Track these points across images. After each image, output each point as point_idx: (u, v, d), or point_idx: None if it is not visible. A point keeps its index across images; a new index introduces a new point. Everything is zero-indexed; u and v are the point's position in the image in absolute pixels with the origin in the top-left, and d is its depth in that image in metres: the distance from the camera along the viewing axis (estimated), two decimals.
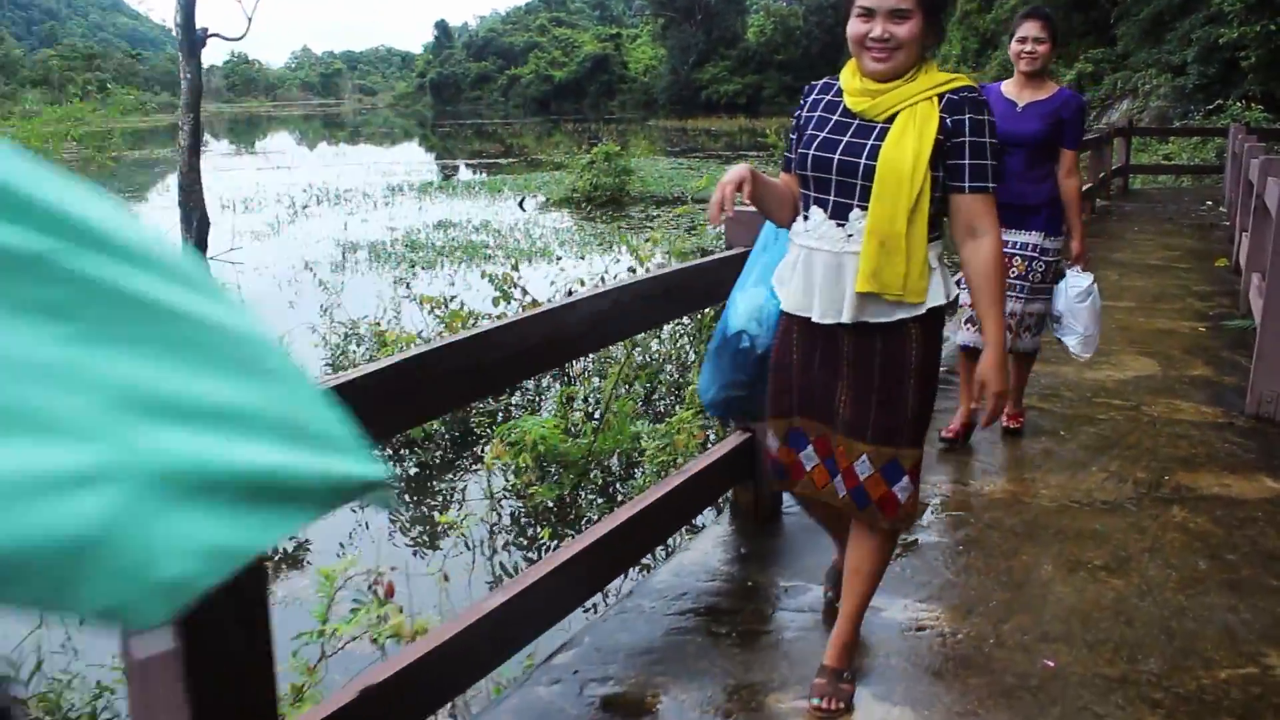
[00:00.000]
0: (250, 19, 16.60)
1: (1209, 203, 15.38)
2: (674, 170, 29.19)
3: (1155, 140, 24.65)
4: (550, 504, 5.89)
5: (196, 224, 16.20)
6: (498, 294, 8.26)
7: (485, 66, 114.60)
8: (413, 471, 6.82)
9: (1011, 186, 4.40)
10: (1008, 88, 4.77)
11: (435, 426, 6.93)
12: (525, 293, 8.22)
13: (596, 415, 6.82)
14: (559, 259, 15.03)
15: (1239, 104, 22.76)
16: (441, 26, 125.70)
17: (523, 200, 22.10)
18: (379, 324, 8.60)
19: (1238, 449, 4.87)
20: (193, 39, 16.12)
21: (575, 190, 21.68)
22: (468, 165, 35.73)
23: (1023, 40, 4.62)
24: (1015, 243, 4.65)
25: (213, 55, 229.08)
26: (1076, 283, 4.83)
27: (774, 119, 59.87)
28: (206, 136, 70.90)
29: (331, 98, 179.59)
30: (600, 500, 6.23)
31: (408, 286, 9.60)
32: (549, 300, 8.83)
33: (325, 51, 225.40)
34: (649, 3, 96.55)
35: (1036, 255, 4.70)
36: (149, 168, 35.75)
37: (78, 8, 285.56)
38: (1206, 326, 7.29)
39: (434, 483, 6.72)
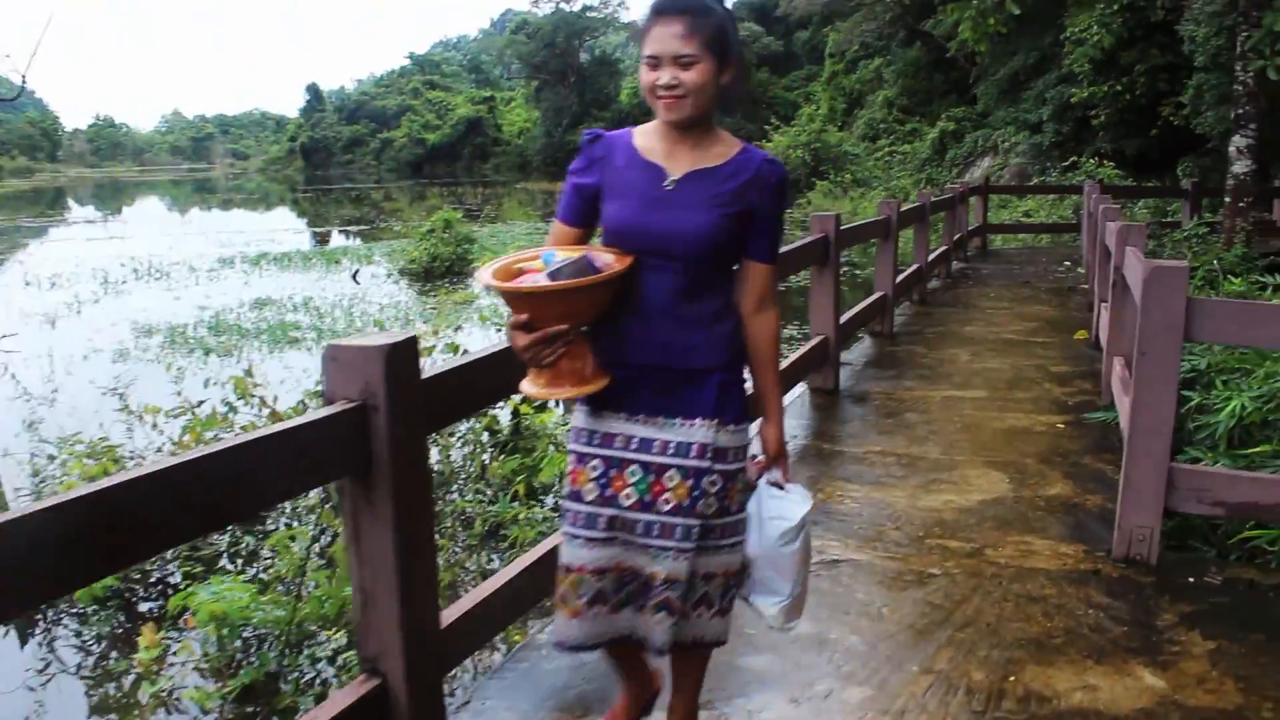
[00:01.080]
0: (24, 80, 14.85)
1: (1067, 263, 14.68)
2: (529, 236, 27.98)
3: (1016, 197, 24.40)
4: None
5: None
6: (233, 400, 6.83)
7: (357, 130, 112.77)
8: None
9: (653, 334, 2.38)
10: (645, 139, 2.48)
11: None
12: (265, 404, 6.80)
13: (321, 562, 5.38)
14: None
15: (1092, 161, 22.80)
16: (313, 90, 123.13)
17: (356, 273, 20.55)
18: (100, 440, 7.05)
19: (1106, 618, 3.67)
20: None
21: (413, 261, 20.24)
22: (339, 231, 34.06)
23: (654, 62, 2.33)
24: (667, 444, 2.39)
25: (77, 119, 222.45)
26: (780, 509, 2.50)
27: None
28: (70, 202, 68.67)
29: (202, 162, 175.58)
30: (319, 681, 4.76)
31: (120, 396, 7.90)
32: (299, 405, 7.43)
33: (197, 115, 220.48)
34: (523, 65, 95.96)
35: (706, 465, 2.38)
36: None
37: None
38: (1065, 421, 6.19)
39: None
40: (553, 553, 2.91)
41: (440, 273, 19.97)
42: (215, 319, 15.56)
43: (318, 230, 34.81)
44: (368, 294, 18.21)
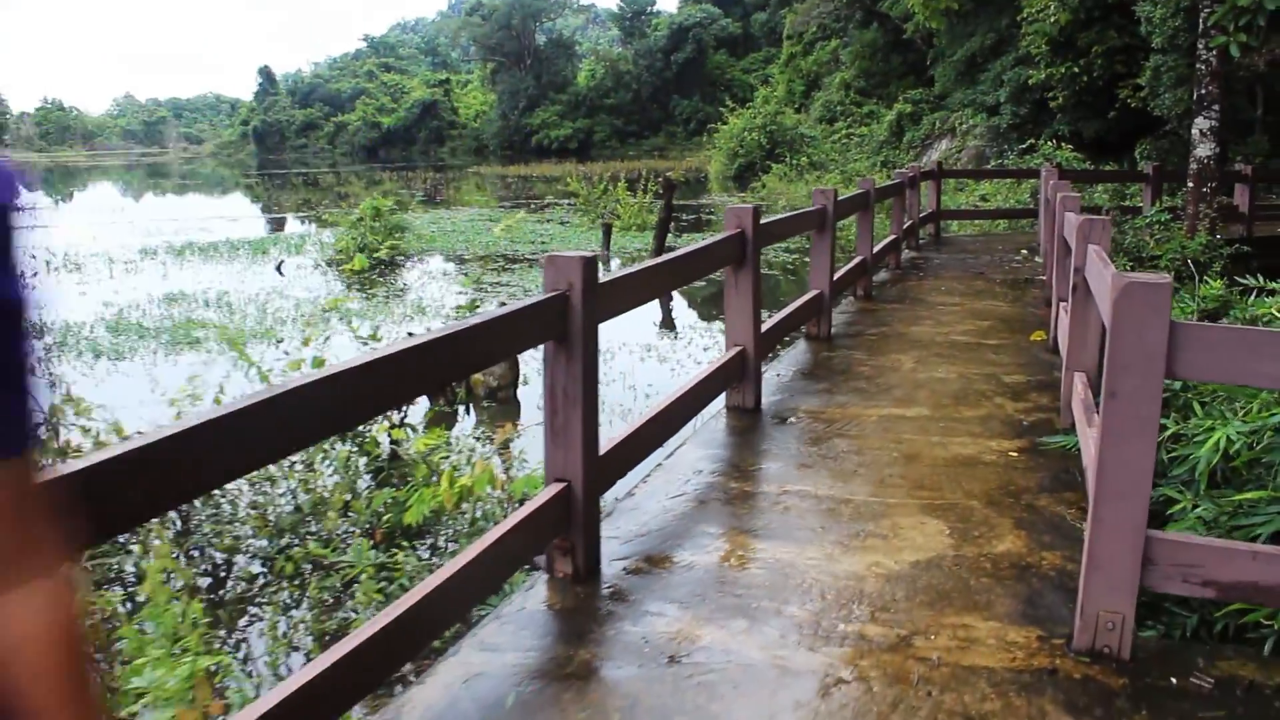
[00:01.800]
0: None
1: (1024, 251, 13.87)
2: (471, 222, 26.94)
3: (973, 180, 23.67)
4: None
5: None
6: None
7: (311, 114, 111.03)
8: None
9: None
10: None
11: None
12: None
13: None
14: (280, 341, 12.55)
15: (1050, 143, 22.14)
16: (265, 73, 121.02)
17: (280, 264, 19.44)
18: None
19: None
20: None
21: (341, 251, 19.19)
22: (295, 217, 32.82)
23: None
24: None
25: (23, 101, 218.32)
26: None
27: (606, 163, 58.38)
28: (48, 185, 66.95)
29: (155, 146, 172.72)
30: None
31: None
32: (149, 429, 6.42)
33: (150, 98, 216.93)
34: (479, 48, 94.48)
35: None
36: None
37: None
38: (1019, 449, 5.29)
39: None
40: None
41: (370, 264, 18.93)
42: (117, 317, 14.48)
43: (272, 216, 33.52)
44: (289, 287, 17.18)
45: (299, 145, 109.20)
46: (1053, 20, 22.44)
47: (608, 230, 20.11)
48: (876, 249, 10.72)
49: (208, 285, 17.44)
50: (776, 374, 6.89)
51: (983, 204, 22.03)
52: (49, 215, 38.40)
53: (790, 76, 48.95)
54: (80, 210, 41.63)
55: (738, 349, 5.97)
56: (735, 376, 5.99)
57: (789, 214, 7.77)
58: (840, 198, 8.53)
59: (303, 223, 28.66)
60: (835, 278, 8.39)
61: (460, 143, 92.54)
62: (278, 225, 30.42)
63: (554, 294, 3.63)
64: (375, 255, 18.92)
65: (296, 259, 20.49)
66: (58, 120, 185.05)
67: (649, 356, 11.61)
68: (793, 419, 5.89)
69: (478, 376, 9.62)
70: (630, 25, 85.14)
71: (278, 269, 19.14)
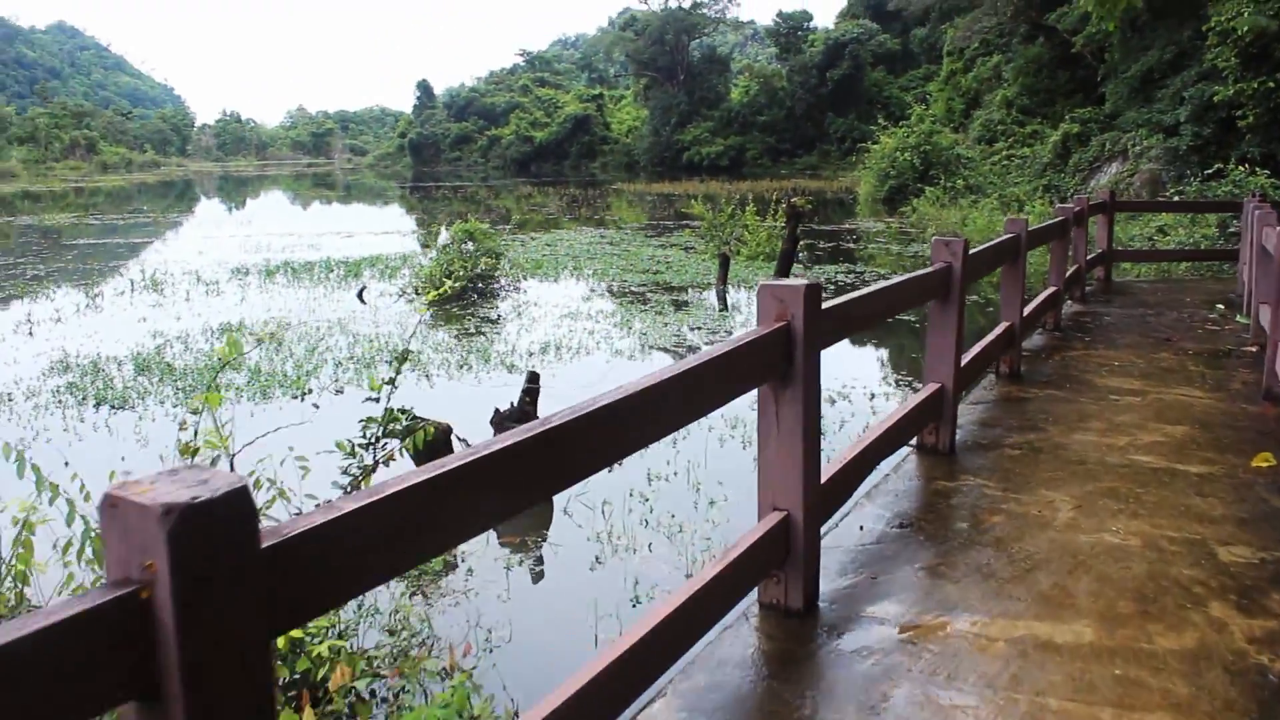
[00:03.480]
0: None
1: (1220, 307, 11.09)
2: (590, 245, 25.02)
3: (1148, 211, 20.66)
4: None
5: None
6: None
7: (466, 127, 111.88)
8: None
9: None
10: None
11: None
12: None
13: None
14: (308, 393, 10.73)
15: (1240, 168, 19.05)
16: (423, 86, 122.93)
17: (362, 290, 17.77)
18: None
19: None
20: None
21: (429, 278, 17.42)
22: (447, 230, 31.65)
23: None
24: None
25: (206, 114, 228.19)
26: None
27: (756, 181, 56.15)
28: (198, 194, 68.73)
29: (322, 157, 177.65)
30: None
31: None
32: None
33: (320, 111, 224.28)
34: (631, 63, 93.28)
35: None
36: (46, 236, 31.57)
37: (81, 66, 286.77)
38: (1255, 688, 2.90)
39: None
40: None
41: (456, 292, 17.10)
42: (154, 352, 12.89)
43: (388, 232, 32.29)
44: (362, 317, 15.47)
45: (453, 158, 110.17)
46: (1247, 29, 19.49)
47: (725, 261, 17.87)
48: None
49: (279, 313, 15.89)
50: (860, 526, 4.56)
51: (1160, 239, 19.02)
52: (192, 226, 38.23)
53: (949, 94, 45.98)
54: (207, 222, 41.31)
55: (936, 386, 5.63)
56: (932, 414, 5.59)
57: (989, 244, 6.88)
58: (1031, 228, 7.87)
59: (418, 240, 27.17)
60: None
61: (611, 158, 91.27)
62: (433, 237, 29.08)
63: (777, 326, 3.41)
64: (460, 283, 17.08)
65: (385, 284, 18.81)
66: (234, 132, 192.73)
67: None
68: (865, 631, 3.58)
69: None
70: (786, 41, 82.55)
71: (359, 296, 17.49)
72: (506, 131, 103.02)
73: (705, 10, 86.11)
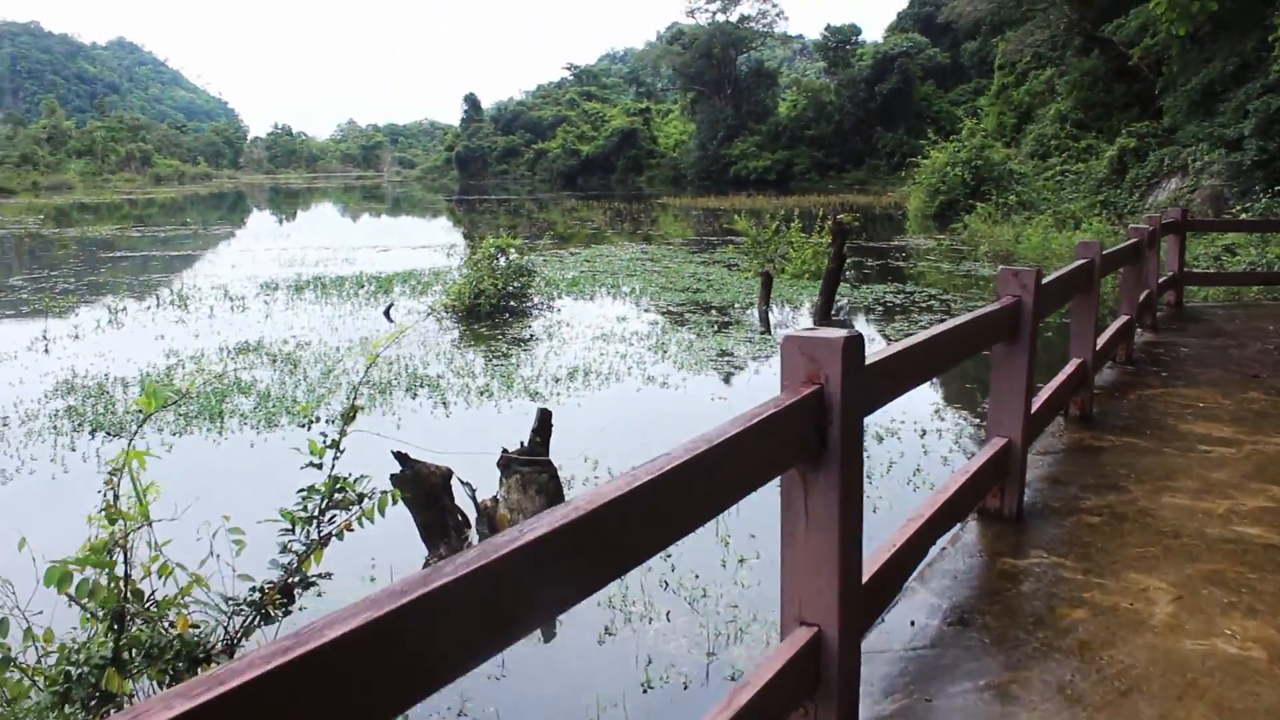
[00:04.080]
0: None
1: None
2: (630, 262, 24.27)
3: (1213, 230, 19.60)
4: None
5: None
6: None
7: (513, 140, 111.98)
8: None
9: None
10: None
11: None
12: None
13: None
14: (315, 421, 10.05)
15: None
16: (471, 100, 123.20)
17: (389, 308, 17.13)
18: None
19: None
20: None
21: (457, 296, 16.75)
22: (426, 246, 31.04)
23: None
24: None
25: (258, 127, 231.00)
26: None
27: (804, 196, 55.25)
28: (249, 206, 69.25)
29: (371, 170, 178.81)
30: None
31: None
32: None
33: (369, 124, 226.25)
34: (678, 77, 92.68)
35: None
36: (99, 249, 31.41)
37: (139, 81, 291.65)
38: None
39: None
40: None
41: (485, 311, 16.42)
42: (162, 374, 12.30)
43: (422, 246, 31.75)
44: (380, 337, 14.77)
45: (500, 171, 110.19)
46: None
47: (767, 280, 17.04)
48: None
49: (300, 331, 15.28)
50: (910, 621, 3.75)
51: (1229, 260, 17.99)
52: (243, 238, 37.99)
53: (1000, 108, 44.91)
54: (246, 235, 41.10)
55: (1002, 441, 4.76)
56: (997, 476, 4.75)
57: (1061, 273, 5.84)
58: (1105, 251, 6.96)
59: (447, 254, 26.54)
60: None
61: (658, 172, 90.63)
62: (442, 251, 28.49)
63: (806, 392, 2.60)
64: (491, 302, 16.39)
65: (414, 302, 18.15)
66: (285, 144, 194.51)
67: None
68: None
69: (504, 513, 6.77)
70: (834, 55, 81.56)
71: (386, 314, 16.86)
72: (553, 145, 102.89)
73: (753, 24, 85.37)
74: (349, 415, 4.26)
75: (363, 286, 20.32)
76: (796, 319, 16.38)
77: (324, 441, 4.29)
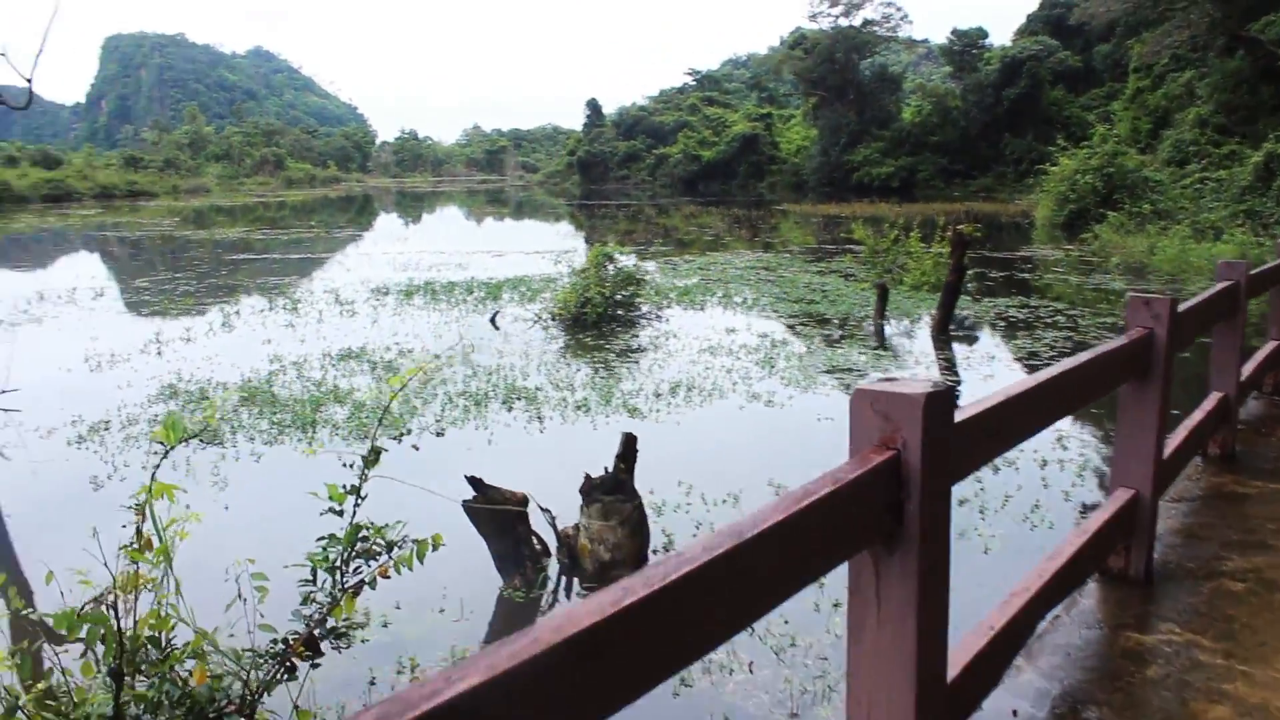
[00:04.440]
0: (30, 90, 12.16)
1: None
2: (746, 271, 23.76)
3: None
4: None
5: None
6: None
7: (634, 145, 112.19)
8: None
9: None
10: None
11: None
12: None
13: None
14: (407, 433, 9.83)
15: None
16: (593, 105, 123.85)
17: (495, 316, 16.93)
18: None
19: None
20: None
21: (563, 305, 16.49)
22: (540, 251, 31.02)
23: None
24: None
25: (386, 132, 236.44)
26: None
27: (927, 204, 53.99)
28: (379, 209, 70.83)
29: (494, 174, 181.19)
30: None
31: None
32: None
33: (494, 129, 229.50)
34: (800, 82, 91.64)
35: None
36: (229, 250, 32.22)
37: (274, 88, 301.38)
38: None
39: None
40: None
41: (591, 320, 16.12)
42: (263, 380, 12.26)
43: (535, 252, 31.72)
44: (487, 345, 14.62)
45: (621, 176, 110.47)
46: None
47: (883, 292, 16.39)
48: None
49: (404, 338, 15.18)
50: (1012, 711, 3.23)
51: None
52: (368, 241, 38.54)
53: (1134, 113, 43.19)
54: (366, 238, 41.69)
55: (1129, 493, 4.18)
56: (1122, 532, 4.16)
57: (1200, 300, 5.20)
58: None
59: (555, 261, 26.35)
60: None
61: (779, 178, 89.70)
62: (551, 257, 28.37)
63: (879, 461, 2.09)
64: (597, 311, 16.08)
65: (522, 309, 17.94)
66: (412, 149, 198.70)
67: None
68: None
69: (584, 543, 6.39)
70: (960, 59, 79.67)
71: (492, 321, 16.68)
72: (674, 150, 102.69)
73: (876, 29, 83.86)
74: (370, 459, 3.89)
75: (472, 292, 20.22)
76: (914, 333, 15.70)
77: (361, 461, 3.93)
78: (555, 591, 6.40)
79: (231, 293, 21.44)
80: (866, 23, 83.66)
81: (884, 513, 2.15)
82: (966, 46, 79.01)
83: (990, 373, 12.55)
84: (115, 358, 14.09)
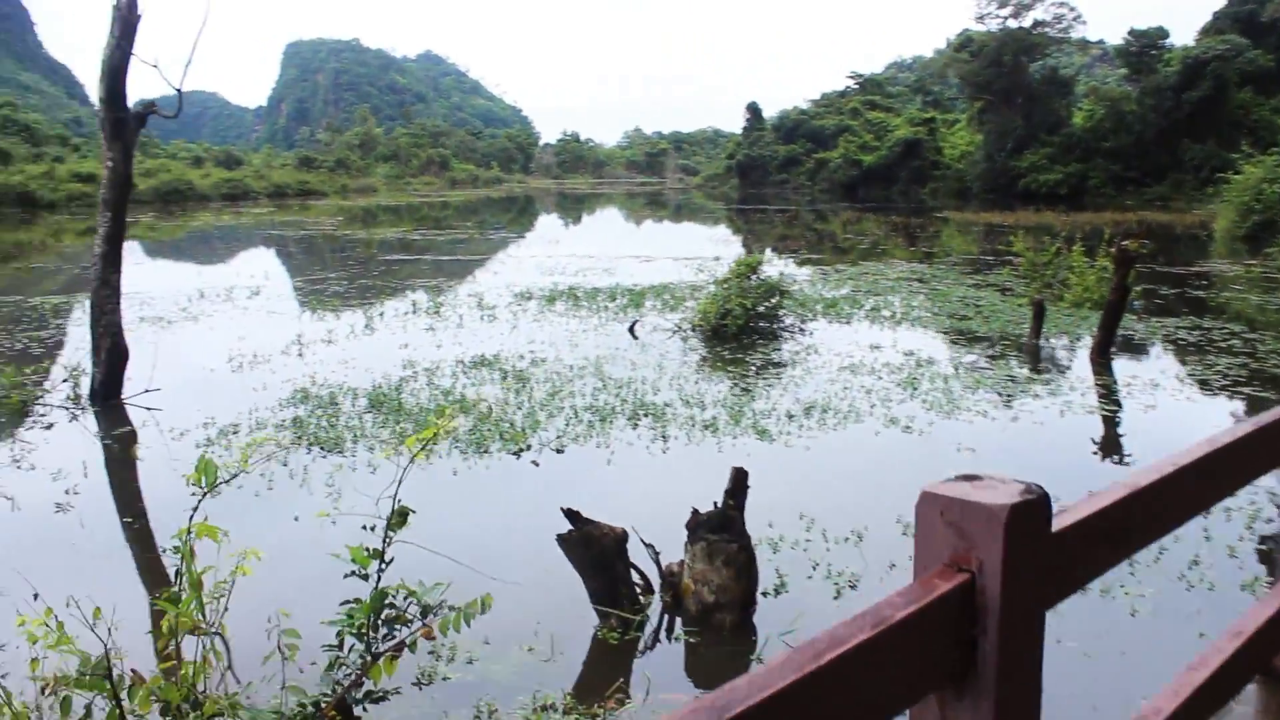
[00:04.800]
0: (180, 96, 12.35)
1: None
2: (898, 283, 22.96)
3: None
4: None
5: (107, 355, 11.93)
6: None
7: (793, 149, 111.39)
8: None
9: None
10: None
11: None
12: None
13: None
14: (526, 449, 9.59)
15: None
16: (753, 108, 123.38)
17: (634, 325, 16.65)
18: None
19: None
20: (118, 115, 11.96)
21: (703, 316, 16.10)
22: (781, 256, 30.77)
23: None
24: None
25: (549, 134, 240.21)
26: None
27: (1097, 213, 51.80)
28: (538, 210, 72.19)
29: (655, 176, 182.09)
30: None
31: None
32: None
33: (655, 132, 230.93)
34: (965, 85, 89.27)
35: None
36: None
37: (443, 91, 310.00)
38: None
39: None
40: None
41: (731, 333, 15.69)
42: (393, 386, 12.25)
43: (678, 259, 31.45)
44: (621, 356, 14.35)
45: (779, 180, 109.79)
46: None
47: (1039, 310, 15.48)
48: None
49: (539, 346, 15.05)
50: None
51: None
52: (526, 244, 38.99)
53: None
54: (518, 240, 42.10)
55: None
56: None
57: None
58: None
59: (698, 270, 25.94)
60: None
61: (942, 184, 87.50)
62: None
63: (947, 587, 1.62)
64: (737, 323, 15.64)
65: (662, 318, 17.61)
66: (573, 151, 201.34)
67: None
68: None
69: (688, 583, 6.00)
70: (1137, 61, 76.20)
71: (631, 330, 16.42)
72: (834, 155, 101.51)
73: (1047, 30, 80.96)
74: (396, 520, 3.57)
75: (615, 299, 20.02)
76: (1072, 354, 14.79)
77: (385, 521, 3.63)
78: (657, 632, 6.02)
79: (378, 294, 21.73)
80: (1037, 24, 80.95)
81: (952, 648, 1.71)
82: (1145, 47, 75.53)
83: (1152, 402, 11.64)
84: (257, 358, 14.33)
